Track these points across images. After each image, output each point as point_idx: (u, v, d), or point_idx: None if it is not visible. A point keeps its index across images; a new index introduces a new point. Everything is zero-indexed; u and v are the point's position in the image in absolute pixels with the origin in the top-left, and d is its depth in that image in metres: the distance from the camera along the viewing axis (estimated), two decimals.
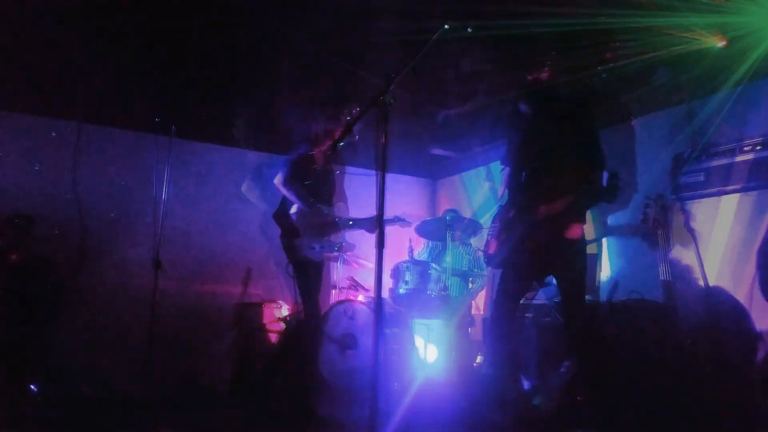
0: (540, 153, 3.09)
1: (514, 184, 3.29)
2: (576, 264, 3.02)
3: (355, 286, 5.32)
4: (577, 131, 3.05)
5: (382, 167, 2.32)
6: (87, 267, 4.62)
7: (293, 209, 3.85)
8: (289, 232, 3.81)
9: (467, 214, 5.77)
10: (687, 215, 3.65)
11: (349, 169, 6.15)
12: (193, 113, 4.95)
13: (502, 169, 3.48)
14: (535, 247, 3.01)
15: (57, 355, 4.11)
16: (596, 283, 4.19)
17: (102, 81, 4.88)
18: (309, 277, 3.82)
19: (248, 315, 4.79)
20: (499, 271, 3.31)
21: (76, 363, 4.36)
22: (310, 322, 3.83)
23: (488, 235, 3.42)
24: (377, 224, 3.85)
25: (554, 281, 3.15)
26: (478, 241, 5.26)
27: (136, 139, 4.96)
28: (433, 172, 6.94)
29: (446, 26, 2.37)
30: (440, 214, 6.00)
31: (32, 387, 3.82)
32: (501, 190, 3.51)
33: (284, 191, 3.85)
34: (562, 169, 3.03)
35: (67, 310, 4.26)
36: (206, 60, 5.32)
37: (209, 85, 5.16)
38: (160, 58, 5.14)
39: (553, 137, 3.06)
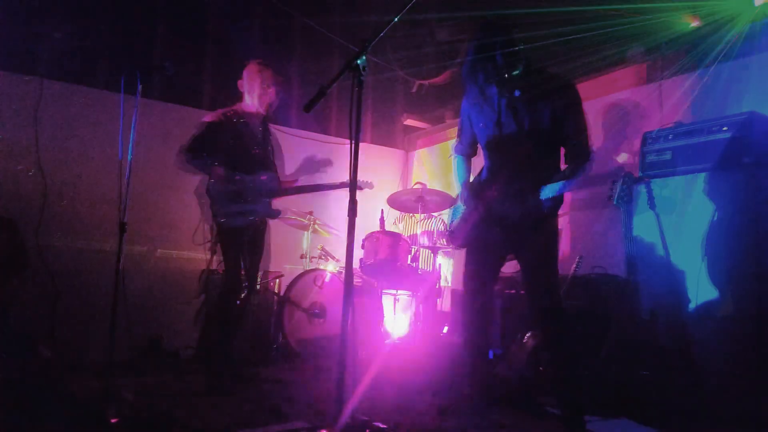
0: (517, 132, 2.89)
1: (488, 166, 3.09)
2: (548, 242, 2.98)
3: (326, 255, 5.32)
4: (566, 114, 2.83)
5: (354, 135, 2.28)
6: (49, 228, 4.50)
7: (211, 179, 3.84)
8: (211, 201, 3.84)
9: (439, 186, 5.77)
10: (651, 193, 3.72)
11: (321, 136, 6.09)
12: (160, 73, 4.81)
13: (455, 157, 3.19)
14: (506, 225, 2.91)
15: (17, 317, 4.01)
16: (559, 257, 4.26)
17: (66, 37, 4.70)
18: (227, 246, 3.81)
19: (215, 282, 4.74)
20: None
21: (37, 325, 4.28)
22: (229, 294, 3.80)
23: (451, 219, 3.27)
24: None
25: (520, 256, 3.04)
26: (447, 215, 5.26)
27: (101, 98, 4.80)
28: (405, 143, 6.92)
29: None
30: (412, 185, 6.00)
31: None
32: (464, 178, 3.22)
33: (186, 162, 3.91)
34: (542, 153, 2.89)
35: (28, 271, 4.16)
36: (174, 17, 5.18)
37: (177, 44, 5.02)
38: (128, 13, 4.99)
39: (535, 116, 2.86)
